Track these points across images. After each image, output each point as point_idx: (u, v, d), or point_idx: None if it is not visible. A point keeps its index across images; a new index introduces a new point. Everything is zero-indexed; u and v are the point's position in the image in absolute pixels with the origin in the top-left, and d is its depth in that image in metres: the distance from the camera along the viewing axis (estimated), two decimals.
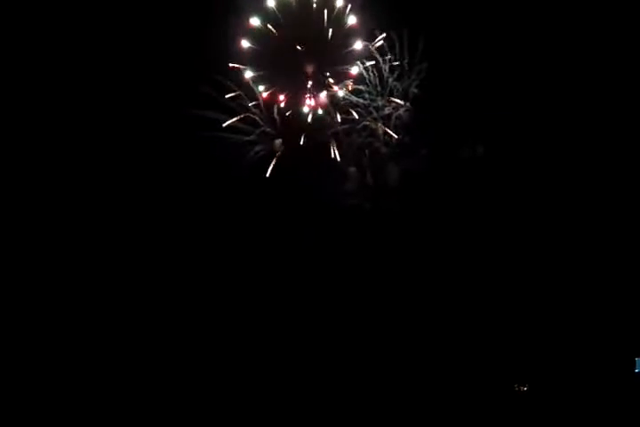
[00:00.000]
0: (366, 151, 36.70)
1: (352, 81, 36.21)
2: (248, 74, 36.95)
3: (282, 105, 36.98)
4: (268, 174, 36.58)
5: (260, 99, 36.76)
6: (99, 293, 35.78)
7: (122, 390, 34.37)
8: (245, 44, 36.70)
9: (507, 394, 34.13)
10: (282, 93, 36.72)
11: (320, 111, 36.72)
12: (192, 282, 36.02)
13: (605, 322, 34.01)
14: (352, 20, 36.30)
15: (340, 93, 36.40)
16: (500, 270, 35.08)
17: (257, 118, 36.67)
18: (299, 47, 36.63)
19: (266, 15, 36.35)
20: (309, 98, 36.61)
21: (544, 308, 34.76)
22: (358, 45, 36.30)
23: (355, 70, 36.40)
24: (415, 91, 36.55)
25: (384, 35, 36.08)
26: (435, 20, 36.00)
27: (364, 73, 36.34)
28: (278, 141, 36.76)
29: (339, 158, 36.43)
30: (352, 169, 36.64)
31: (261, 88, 36.96)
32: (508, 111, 35.98)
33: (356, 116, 36.30)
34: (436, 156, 36.47)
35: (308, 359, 34.99)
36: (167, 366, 34.99)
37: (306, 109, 36.74)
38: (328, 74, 36.43)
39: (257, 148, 36.65)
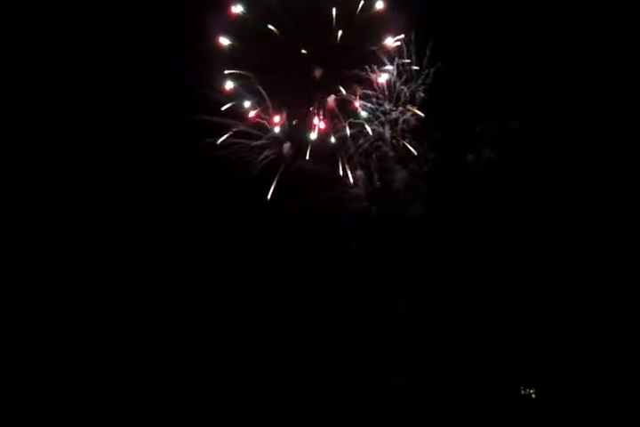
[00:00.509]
0: (374, 156, 36.94)
1: (362, 87, 36.00)
2: (229, 84, 35.73)
3: (277, 129, 36.05)
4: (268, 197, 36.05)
5: (246, 117, 35.61)
6: (97, 293, 36.03)
7: (117, 390, 34.82)
8: (225, 41, 35.52)
9: (512, 397, 34.48)
10: (278, 113, 35.83)
11: (332, 139, 36.08)
12: (195, 282, 36.25)
13: (612, 324, 34.28)
14: (379, 4, 35.45)
15: (364, 114, 35.96)
16: (508, 272, 35.25)
17: (266, 123, 36.53)
18: (304, 51, 35.89)
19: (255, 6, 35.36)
20: (316, 117, 35.78)
21: (550, 309, 35.02)
22: (389, 41, 35.58)
23: (384, 78, 35.80)
24: (422, 95, 36.78)
25: (402, 36, 35.69)
26: (442, 24, 36.02)
27: (385, 78, 35.97)
28: (287, 145, 36.53)
29: (351, 179, 36.19)
30: (359, 173, 36.91)
31: (247, 104, 35.89)
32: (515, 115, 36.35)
33: (370, 131, 36.08)
34: (443, 160, 36.78)
35: (309, 360, 35.47)
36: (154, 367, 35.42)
37: (313, 136, 36.04)
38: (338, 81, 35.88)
39: (266, 152, 36.58)
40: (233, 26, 35.89)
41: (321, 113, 36.02)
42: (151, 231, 36.61)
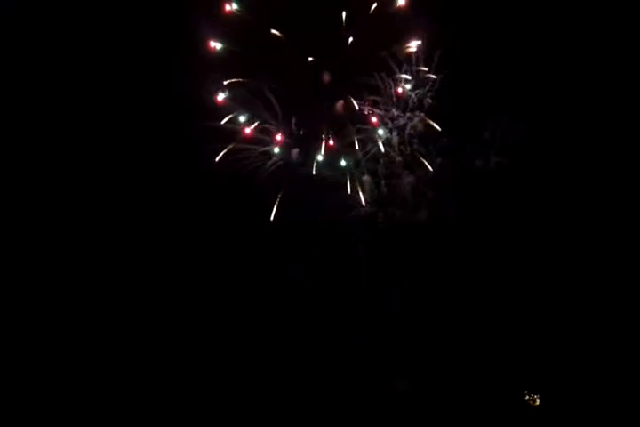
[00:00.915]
0: (381, 160, 37.14)
1: (375, 98, 35.75)
2: (221, 96, 34.69)
3: (276, 149, 35.31)
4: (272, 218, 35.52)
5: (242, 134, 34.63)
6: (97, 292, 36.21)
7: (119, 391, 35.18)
8: (217, 44, 34.29)
9: (516, 403, 35.00)
10: (277, 132, 34.98)
11: (343, 162, 35.54)
12: (201, 284, 36.48)
13: (621, 327, 34.55)
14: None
15: (381, 132, 35.68)
16: (517, 276, 35.69)
17: (273, 128, 36.24)
18: (309, 53, 35.21)
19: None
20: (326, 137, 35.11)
21: (560, 314, 35.40)
22: (414, 44, 34.81)
23: (406, 86, 35.17)
24: (430, 101, 36.83)
25: (419, 42, 35.18)
26: (451, 29, 35.83)
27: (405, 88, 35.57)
28: (295, 151, 36.42)
29: (363, 202, 35.99)
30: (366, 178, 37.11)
31: (243, 118, 34.86)
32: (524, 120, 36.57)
33: (382, 148, 35.95)
34: (451, 165, 37.04)
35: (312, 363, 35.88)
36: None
37: (320, 157, 35.46)
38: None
39: (274, 158, 36.42)
40: (227, 26, 34.87)
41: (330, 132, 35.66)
42: (157, 235, 36.79)
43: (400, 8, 35.05)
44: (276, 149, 35.73)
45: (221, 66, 35.09)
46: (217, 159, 35.20)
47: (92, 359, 35.36)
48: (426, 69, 35.53)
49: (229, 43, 34.85)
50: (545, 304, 35.56)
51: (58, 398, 34.54)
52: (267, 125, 36.06)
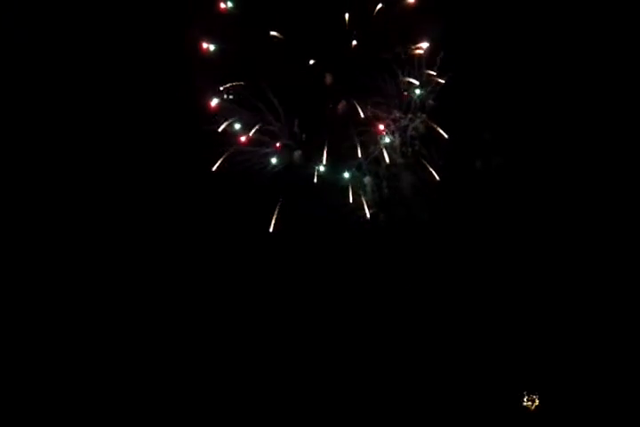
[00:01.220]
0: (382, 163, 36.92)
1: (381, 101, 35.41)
2: (214, 101, 33.87)
3: (273, 160, 34.56)
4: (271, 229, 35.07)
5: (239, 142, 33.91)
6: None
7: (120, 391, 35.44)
8: (211, 46, 33.40)
9: (514, 404, 35.37)
10: (278, 137, 34.44)
11: (346, 174, 34.98)
12: (207, 281, 36.61)
13: (623, 326, 34.90)
14: None
15: (387, 140, 35.30)
16: (514, 276, 35.96)
17: (276, 130, 35.85)
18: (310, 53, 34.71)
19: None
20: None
21: (558, 311, 35.74)
22: (425, 45, 34.03)
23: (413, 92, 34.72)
24: (432, 102, 36.49)
25: (427, 44, 34.58)
26: (454, 31, 35.47)
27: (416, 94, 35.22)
28: (297, 153, 36.09)
29: (367, 214, 35.74)
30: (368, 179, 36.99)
31: (238, 127, 34.14)
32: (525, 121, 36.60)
33: (386, 155, 35.72)
34: (452, 166, 36.97)
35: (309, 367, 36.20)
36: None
37: (322, 161, 34.88)
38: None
39: (275, 160, 36.03)
40: (221, 26, 33.90)
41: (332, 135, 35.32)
42: (156, 238, 36.73)
43: (409, 6, 34.35)
44: (274, 160, 35.33)
45: (215, 68, 34.44)
46: (216, 165, 34.91)
47: (92, 360, 35.64)
48: (433, 73, 35.22)
49: (224, 43, 34.04)
50: (545, 304, 36.02)
51: (57, 397, 34.89)
52: (270, 127, 35.69)
